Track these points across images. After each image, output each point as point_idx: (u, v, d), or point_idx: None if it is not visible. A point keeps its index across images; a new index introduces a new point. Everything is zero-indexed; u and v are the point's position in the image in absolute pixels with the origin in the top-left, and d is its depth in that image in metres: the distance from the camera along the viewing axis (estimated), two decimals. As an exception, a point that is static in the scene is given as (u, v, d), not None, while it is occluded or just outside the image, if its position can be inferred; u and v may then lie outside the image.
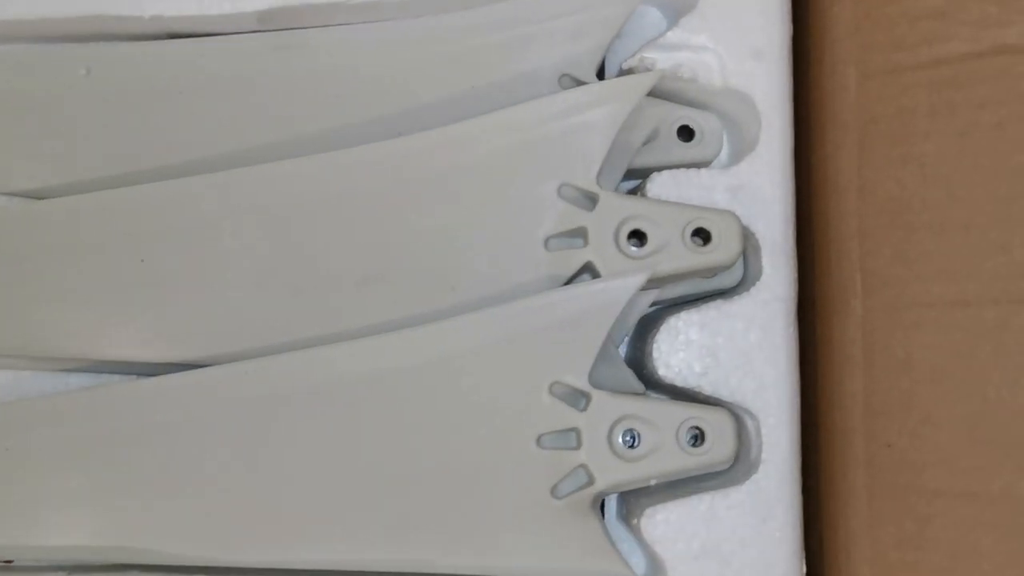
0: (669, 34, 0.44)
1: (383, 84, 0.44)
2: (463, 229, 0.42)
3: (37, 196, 0.45)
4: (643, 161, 0.44)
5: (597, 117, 0.42)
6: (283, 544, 0.41)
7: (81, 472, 0.41)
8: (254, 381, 0.41)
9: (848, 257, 0.41)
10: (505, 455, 0.40)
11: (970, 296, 0.39)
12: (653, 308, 0.44)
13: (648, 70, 0.44)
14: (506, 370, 0.41)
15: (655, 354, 0.42)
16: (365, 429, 0.41)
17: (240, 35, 0.45)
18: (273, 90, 0.45)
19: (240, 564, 0.41)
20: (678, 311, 0.42)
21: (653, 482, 0.41)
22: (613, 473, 0.40)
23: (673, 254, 0.41)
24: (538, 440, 0.40)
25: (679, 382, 0.42)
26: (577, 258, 0.41)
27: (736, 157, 0.44)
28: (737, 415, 0.42)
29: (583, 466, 0.40)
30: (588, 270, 0.42)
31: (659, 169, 0.43)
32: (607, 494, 0.42)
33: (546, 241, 0.42)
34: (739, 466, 0.42)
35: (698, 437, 0.41)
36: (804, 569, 0.41)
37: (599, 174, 0.42)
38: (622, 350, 0.45)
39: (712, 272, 0.43)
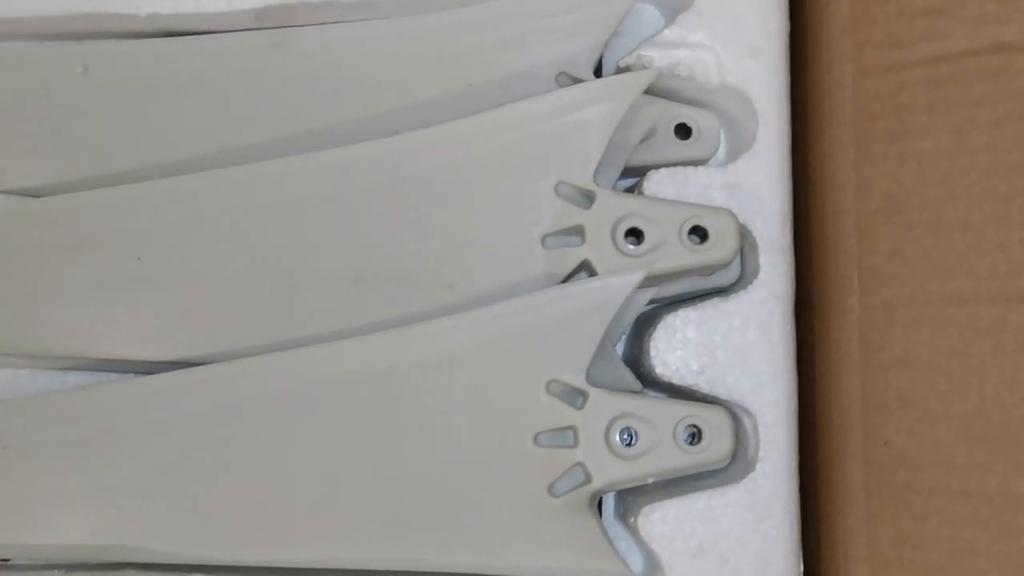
0: (666, 32, 0.44)
1: (380, 82, 0.44)
2: (460, 227, 0.42)
3: (34, 194, 0.45)
4: (640, 159, 0.44)
5: (594, 115, 0.42)
6: (280, 543, 0.41)
7: (78, 470, 0.41)
8: (251, 380, 0.41)
9: (845, 255, 0.41)
10: (502, 453, 0.40)
11: (968, 294, 0.39)
12: (650, 306, 0.44)
13: (645, 68, 0.44)
14: (503, 368, 0.41)
15: (652, 352, 0.42)
16: (362, 427, 0.41)
17: (237, 33, 0.45)
18: (270, 88, 0.45)
19: (237, 563, 0.41)
20: (675, 309, 0.42)
21: (650, 480, 0.41)
22: (610, 471, 0.40)
23: (670, 252, 0.41)
24: (535, 438, 0.40)
25: (676, 380, 0.42)
26: (574, 256, 0.41)
27: (733, 155, 0.44)
28: (734, 413, 0.42)
29: (580, 464, 0.40)
30: (585, 268, 0.42)
31: (656, 167, 0.43)
32: (604, 492, 0.42)
33: (543, 239, 0.42)
34: (736, 464, 0.42)
35: (695, 435, 0.41)
36: (801, 567, 0.41)
37: (596, 172, 0.42)
38: (619, 348, 0.45)
39: (709, 270, 0.43)
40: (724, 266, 0.42)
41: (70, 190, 0.44)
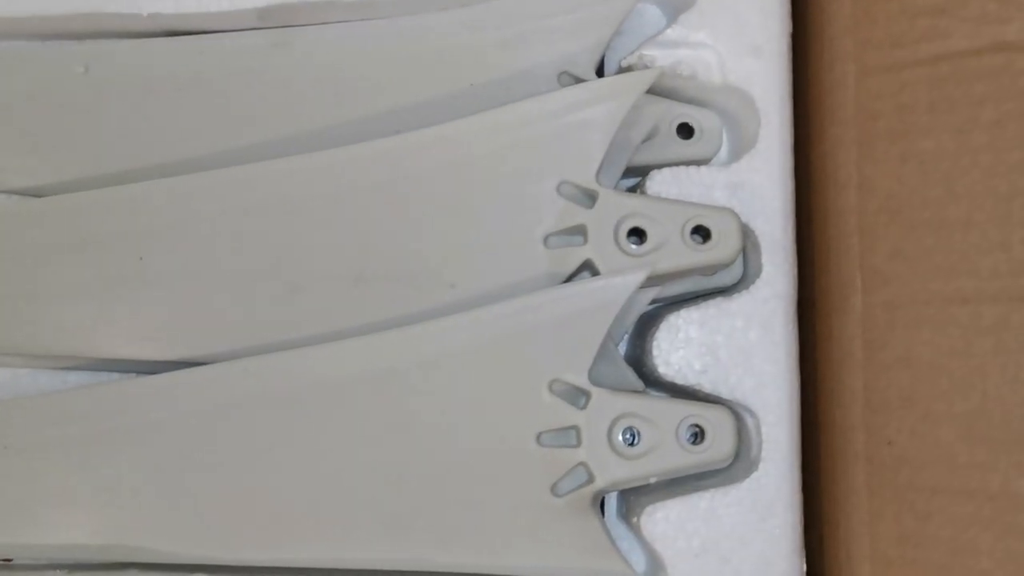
0: (668, 31, 0.44)
1: (381, 82, 0.44)
2: (462, 227, 0.42)
3: (35, 194, 0.45)
4: (642, 159, 0.44)
5: (596, 115, 0.42)
6: (282, 542, 0.41)
7: (79, 470, 0.41)
8: (252, 379, 0.41)
9: (848, 254, 0.41)
10: (505, 453, 0.40)
11: (970, 293, 0.39)
12: (653, 306, 0.44)
13: (647, 67, 0.44)
14: (505, 368, 0.41)
15: (655, 352, 0.42)
16: (364, 427, 0.41)
17: (238, 32, 0.45)
18: (272, 88, 0.45)
19: (239, 562, 0.41)
20: (678, 309, 0.42)
21: (653, 480, 0.41)
22: (613, 471, 0.40)
23: (673, 252, 0.41)
24: (538, 438, 0.40)
25: (679, 380, 0.42)
26: (576, 256, 0.41)
27: (735, 154, 0.44)
28: (737, 413, 0.42)
29: (583, 464, 0.40)
30: (587, 268, 0.42)
31: (658, 167, 0.43)
32: (607, 492, 0.42)
33: (545, 239, 0.42)
34: (739, 464, 0.42)
35: (698, 435, 0.41)
36: (804, 567, 0.41)
37: (598, 172, 0.42)
38: (621, 348, 0.45)
39: (712, 270, 0.43)
40: (726, 266, 0.42)
41: (71, 190, 0.44)
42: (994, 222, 0.38)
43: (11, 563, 0.43)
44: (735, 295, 0.42)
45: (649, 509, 0.41)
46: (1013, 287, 0.38)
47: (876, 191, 0.41)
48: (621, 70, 0.45)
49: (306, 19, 0.45)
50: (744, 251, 0.43)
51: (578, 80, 0.43)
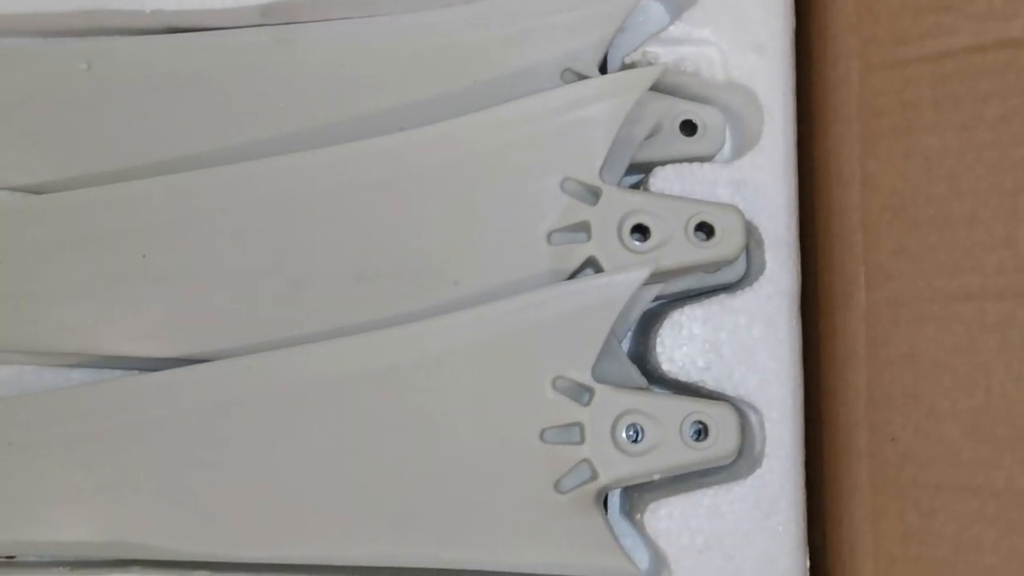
0: (671, 28, 0.44)
1: (384, 79, 0.44)
2: (465, 224, 0.42)
3: (37, 191, 0.45)
4: (646, 155, 0.44)
5: (600, 112, 0.42)
6: (284, 540, 0.41)
7: (83, 467, 0.41)
8: (254, 377, 0.41)
9: (851, 251, 0.41)
10: (508, 450, 0.40)
11: (974, 290, 0.39)
12: (656, 303, 0.44)
13: (650, 64, 0.44)
14: (509, 365, 0.41)
15: (658, 349, 0.42)
16: (367, 424, 0.41)
17: (241, 29, 0.45)
18: (274, 84, 0.45)
19: (242, 559, 0.41)
20: (681, 306, 0.42)
21: (657, 477, 0.41)
22: (617, 468, 0.40)
23: (676, 248, 0.41)
24: (541, 435, 0.40)
25: (682, 377, 0.42)
26: (580, 252, 0.41)
27: (739, 151, 0.44)
28: (740, 409, 0.42)
29: (586, 461, 0.40)
30: (591, 264, 0.42)
31: (662, 163, 0.43)
32: (611, 489, 0.42)
33: (549, 236, 0.42)
34: (742, 461, 0.42)
35: (701, 432, 0.41)
36: (807, 563, 0.41)
37: (602, 168, 0.42)
38: (625, 345, 0.45)
39: (715, 266, 0.43)
40: (730, 262, 0.42)
41: (74, 187, 0.44)
42: (998, 219, 0.38)
43: (14, 560, 0.43)
44: (738, 292, 0.42)
45: (653, 506, 0.41)
46: (1018, 284, 0.38)
47: (880, 188, 0.41)
48: (624, 67, 0.45)
49: (308, 16, 0.45)
50: (747, 248, 0.43)
51: (581, 77, 0.43)
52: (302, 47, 0.45)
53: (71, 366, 0.45)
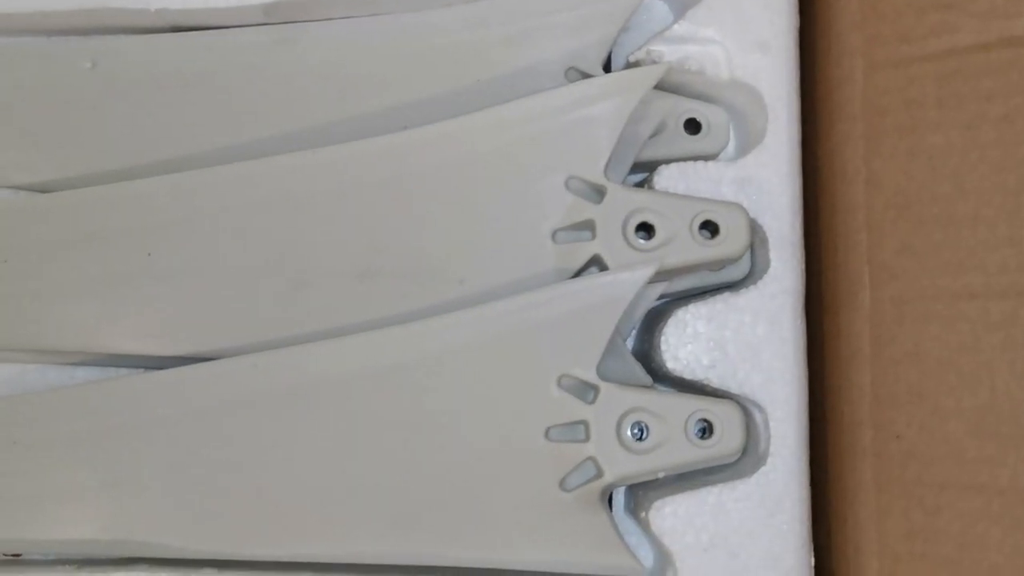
0: (676, 27, 0.44)
1: (387, 78, 0.44)
2: (470, 222, 0.42)
3: (43, 189, 0.45)
4: (650, 154, 0.44)
5: (604, 110, 0.42)
6: (290, 538, 0.41)
7: (88, 466, 0.41)
8: (259, 375, 0.41)
9: (856, 250, 0.41)
10: (513, 448, 0.40)
11: (978, 289, 0.39)
12: (661, 301, 0.44)
13: (655, 63, 0.44)
14: (514, 363, 0.41)
15: (663, 347, 0.42)
16: (371, 422, 0.41)
17: (245, 28, 0.45)
18: (277, 84, 0.45)
19: (247, 557, 0.41)
20: (686, 304, 0.42)
21: (661, 475, 0.41)
22: (621, 466, 0.40)
23: (681, 247, 0.41)
24: (546, 433, 0.40)
25: (687, 375, 0.42)
26: (585, 251, 0.41)
27: (743, 150, 0.44)
28: (745, 408, 0.42)
29: (591, 459, 0.40)
30: (596, 263, 0.42)
31: (666, 162, 0.43)
32: (615, 487, 0.42)
33: (554, 234, 0.42)
34: (747, 459, 0.42)
35: (706, 430, 0.41)
36: (812, 561, 0.41)
37: (606, 167, 0.42)
38: (629, 343, 0.45)
39: (720, 265, 0.43)
40: (735, 261, 0.42)
41: (78, 186, 0.44)
42: (1002, 218, 0.38)
43: (20, 558, 0.43)
44: (743, 290, 0.42)
45: (657, 504, 0.41)
46: (1021, 282, 0.38)
47: (884, 186, 0.41)
48: (628, 65, 0.45)
49: (311, 15, 0.45)
50: (752, 246, 0.43)
51: (586, 76, 0.43)
52: (305, 46, 0.45)
53: (75, 364, 0.45)
